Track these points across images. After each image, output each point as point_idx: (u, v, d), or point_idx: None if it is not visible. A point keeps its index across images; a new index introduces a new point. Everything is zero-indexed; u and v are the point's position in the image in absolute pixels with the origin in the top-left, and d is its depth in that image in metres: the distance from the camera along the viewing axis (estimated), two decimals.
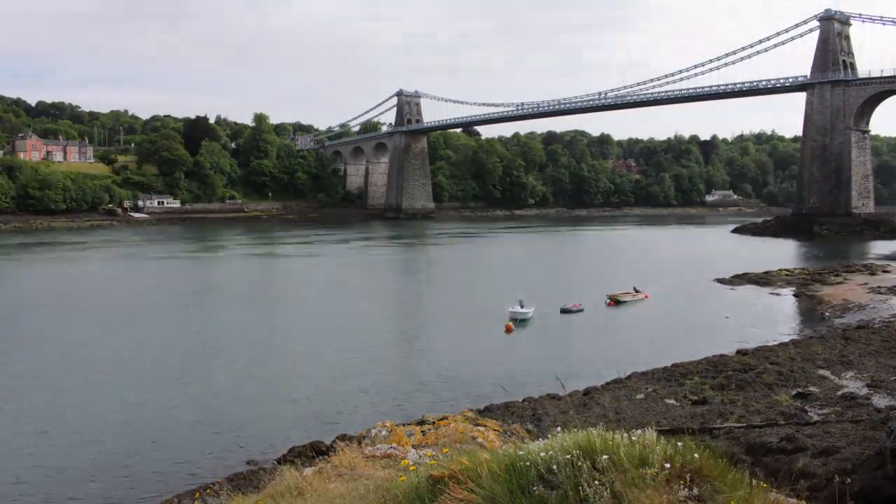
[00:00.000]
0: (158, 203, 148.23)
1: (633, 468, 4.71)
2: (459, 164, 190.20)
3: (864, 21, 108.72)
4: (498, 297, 42.53)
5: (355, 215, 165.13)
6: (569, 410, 20.75)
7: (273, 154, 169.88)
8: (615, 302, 42.02)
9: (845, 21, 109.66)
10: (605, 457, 4.84)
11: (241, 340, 35.65)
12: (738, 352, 29.30)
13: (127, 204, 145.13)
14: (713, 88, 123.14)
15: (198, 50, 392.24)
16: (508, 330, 35.52)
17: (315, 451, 17.42)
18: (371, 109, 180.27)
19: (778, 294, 47.61)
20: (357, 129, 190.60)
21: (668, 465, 4.74)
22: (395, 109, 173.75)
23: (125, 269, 67.15)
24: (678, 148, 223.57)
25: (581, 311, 40.13)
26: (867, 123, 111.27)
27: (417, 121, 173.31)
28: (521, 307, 37.89)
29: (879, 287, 46.72)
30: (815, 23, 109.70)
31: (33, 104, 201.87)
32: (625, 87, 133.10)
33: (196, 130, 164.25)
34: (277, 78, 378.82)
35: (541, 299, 41.39)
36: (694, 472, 4.71)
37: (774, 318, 39.46)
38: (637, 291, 44.09)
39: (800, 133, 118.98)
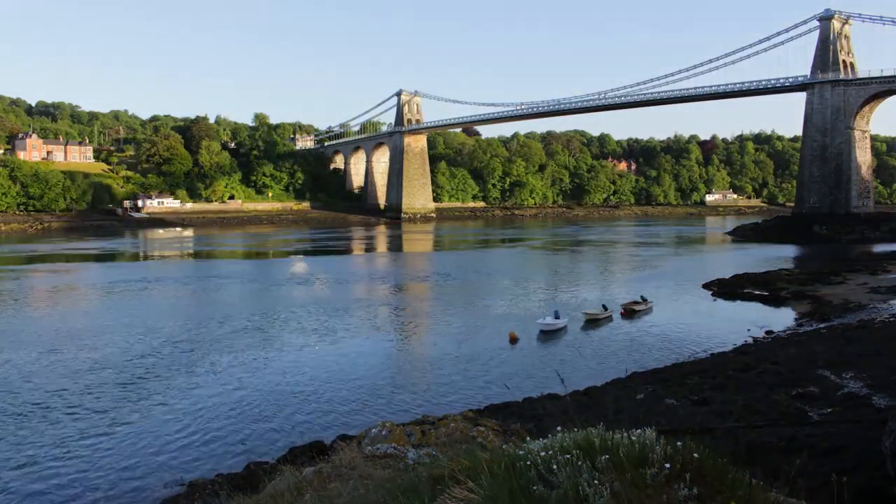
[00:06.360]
0: (158, 203, 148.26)
1: (633, 468, 4.70)
2: (459, 163, 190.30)
3: (863, 21, 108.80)
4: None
5: (354, 215, 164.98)
6: (569, 410, 20.72)
7: (273, 154, 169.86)
8: (628, 311, 41.37)
9: (845, 21, 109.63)
10: (605, 457, 4.84)
11: (242, 340, 35.64)
12: (739, 352, 29.28)
13: (127, 204, 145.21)
14: (713, 88, 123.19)
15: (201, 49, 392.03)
16: (513, 340, 34.46)
17: (315, 451, 17.40)
18: (371, 109, 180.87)
19: None
20: (357, 128, 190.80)
21: (668, 466, 4.73)
22: (394, 109, 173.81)
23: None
24: (678, 148, 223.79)
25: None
26: (867, 123, 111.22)
27: (417, 120, 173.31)
28: (557, 317, 36.73)
29: (879, 287, 46.71)
30: (815, 22, 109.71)
31: (33, 104, 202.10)
32: (625, 87, 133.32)
33: (196, 130, 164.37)
34: (278, 77, 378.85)
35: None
36: (694, 472, 4.70)
37: None
38: (645, 300, 43.48)
39: (800, 133, 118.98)
